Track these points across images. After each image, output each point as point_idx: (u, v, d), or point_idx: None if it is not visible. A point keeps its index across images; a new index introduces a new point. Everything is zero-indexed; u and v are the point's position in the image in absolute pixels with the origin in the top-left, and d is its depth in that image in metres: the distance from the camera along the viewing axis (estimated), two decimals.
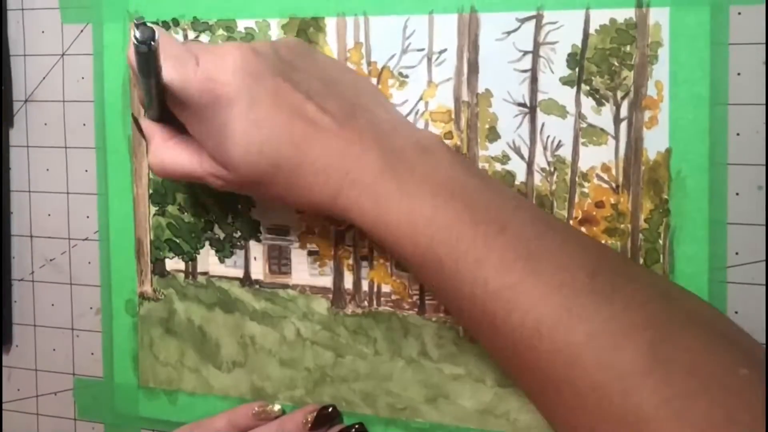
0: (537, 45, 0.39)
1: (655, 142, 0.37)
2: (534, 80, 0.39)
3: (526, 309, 0.31)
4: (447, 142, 0.40)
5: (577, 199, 0.39)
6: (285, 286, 0.45)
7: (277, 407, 0.44)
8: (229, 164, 0.36)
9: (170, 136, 0.39)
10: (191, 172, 0.38)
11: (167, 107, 0.37)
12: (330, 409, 0.43)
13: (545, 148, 0.39)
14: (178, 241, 0.47)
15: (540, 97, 0.39)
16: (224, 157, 0.36)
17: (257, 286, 0.45)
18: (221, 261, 0.46)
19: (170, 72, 0.35)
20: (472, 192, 0.34)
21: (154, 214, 0.47)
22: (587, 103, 0.38)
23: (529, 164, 0.40)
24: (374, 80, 0.42)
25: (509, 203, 0.35)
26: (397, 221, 0.34)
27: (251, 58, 0.36)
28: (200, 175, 0.38)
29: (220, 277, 0.46)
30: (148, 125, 0.40)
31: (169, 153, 0.38)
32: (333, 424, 0.43)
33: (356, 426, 0.42)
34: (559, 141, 0.39)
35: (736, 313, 0.37)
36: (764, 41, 0.35)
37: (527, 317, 0.31)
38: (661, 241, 0.38)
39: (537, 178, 0.39)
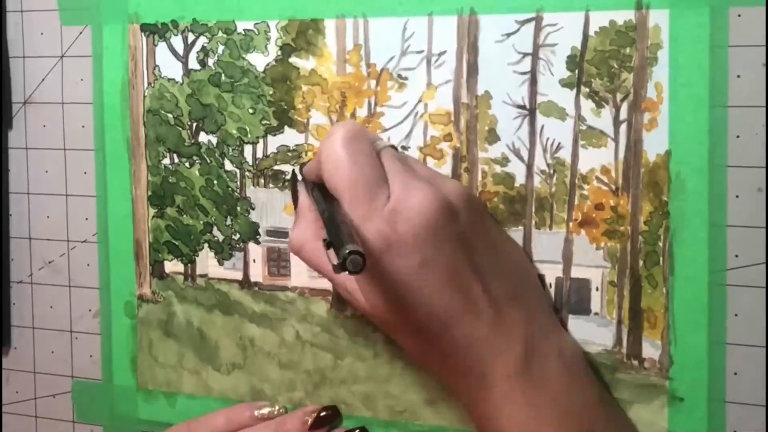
0: (536, 47, 0.39)
1: (654, 144, 0.37)
2: (533, 82, 0.39)
3: None
4: (446, 144, 0.40)
5: (576, 202, 0.39)
6: (284, 289, 0.45)
7: (277, 408, 0.44)
8: (373, 300, 0.34)
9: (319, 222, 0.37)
10: (327, 272, 0.35)
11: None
12: (330, 411, 0.43)
13: (545, 150, 0.39)
14: (177, 243, 0.47)
15: (539, 99, 0.39)
16: (371, 292, 0.34)
17: (256, 289, 0.45)
18: (220, 263, 0.46)
19: (357, 203, 0.33)
20: (600, 424, 0.33)
21: (153, 217, 0.47)
22: (587, 105, 0.38)
23: (529, 166, 0.40)
24: (373, 82, 0.42)
25: None
26: (515, 430, 0.33)
27: (443, 218, 0.33)
28: (335, 281, 0.36)
29: (219, 280, 0.46)
30: (304, 200, 0.38)
31: (315, 242, 0.36)
32: (333, 426, 0.43)
33: (358, 430, 0.42)
34: (559, 143, 0.39)
35: (736, 315, 0.37)
36: (764, 43, 0.35)
37: None
38: (660, 244, 0.38)
39: (536, 180, 0.39)
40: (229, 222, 0.45)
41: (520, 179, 0.40)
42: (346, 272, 0.29)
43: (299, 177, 0.42)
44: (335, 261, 0.30)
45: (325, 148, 0.35)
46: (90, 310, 0.49)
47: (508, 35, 0.39)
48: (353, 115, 0.42)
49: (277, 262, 0.45)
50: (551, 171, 0.39)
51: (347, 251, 0.29)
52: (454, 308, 0.33)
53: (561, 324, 0.38)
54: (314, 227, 0.37)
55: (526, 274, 0.38)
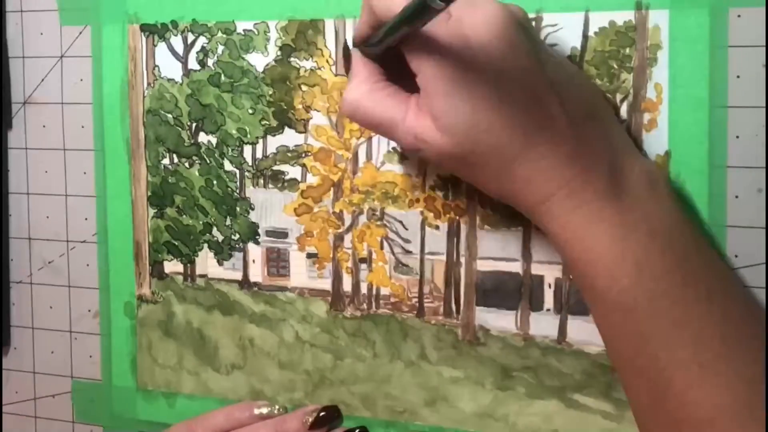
0: None
1: (654, 145, 0.37)
2: None
3: (702, 399, 0.30)
4: None
5: None
6: (284, 289, 0.45)
7: (277, 408, 0.44)
8: (447, 129, 0.32)
9: (378, 77, 0.35)
10: (389, 123, 0.34)
11: (394, 50, 0.33)
12: (330, 411, 0.43)
13: None
14: (176, 243, 0.46)
15: None
16: (443, 120, 0.32)
17: (256, 289, 0.45)
18: (220, 263, 0.46)
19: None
20: (689, 247, 0.32)
21: (153, 217, 0.47)
22: None
23: None
24: None
25: (721, 271, 0.33)
26: (604, 250, 0.32)
27: (513, 24, 0.32)
28: (398, 130, 0.34)
29: (219, 280, 0.46)
30: (358, 58, 0.36)
31: (372, 95, 0.34)
32: (333, 426, 0.43)
33: (358, 429, 0.42)
34: None
35: None
36: (764, 44, 0.35)
37: (702, 407, 0.30)
38: None
39: None
40: (228, 222, 0.45)
41: None
42: (439, 6, 0.26)
43: (350, 45, 0.40)
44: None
45: None
46: (89, 311, 0.49)
47: None
48: None
49: (277, 262, 0.45)
50: None
51: None
52: (535, 123, 0.32)
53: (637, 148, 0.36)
54: (369, 83, 0.35)
55: (598, 95, 0.36)
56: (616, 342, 0.33)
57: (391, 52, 0.34)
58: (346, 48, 0.40)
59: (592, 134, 0.33)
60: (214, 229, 0.46)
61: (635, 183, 0.33)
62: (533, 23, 0.38)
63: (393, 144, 0.42)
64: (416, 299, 0.42)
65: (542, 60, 0.33)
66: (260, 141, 0.44)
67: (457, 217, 0.41)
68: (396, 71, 0.35)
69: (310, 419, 0.41)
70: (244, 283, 0.45)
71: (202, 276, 0.46)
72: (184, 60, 0.45)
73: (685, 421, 0.31)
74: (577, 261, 0.33)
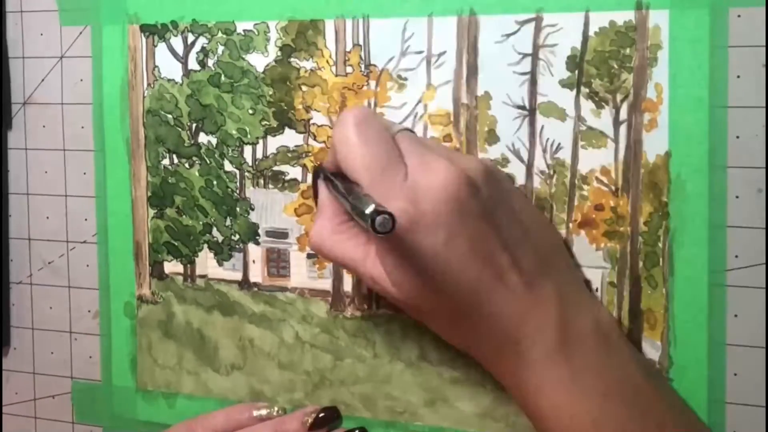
0: (536, 47, 0.39)
1: (654, 145, 0.37)
2: (533, 83, 0.39)
3: None
4: (446, 144, 0.40)
5: (576, 202, 0.39)
6: (284, 289, 0.45)
7: (275, 409, 0.44)
8: (402, 284, 0.33)
9: (343, 218, 0.36)
10: (352, 263, 0.35)
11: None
12: (330, 411, 0.43)
13: (545, 151, 0.39)
14: (176, 243, 0.46)
15: (539, 99, 0.39)
16: (399, 275, 0.33)
17: (256, 289, 0.45)
18: (220, 264, 0.46)
19: (375, 185, 0.33)
20: (644, 397, 0.33)
21: (153, 217, 0.47)
22: (587, 105, 0.38)
23: (529, 167, 0.39)
24: (373, 83, 0.41)
25: (677, 413, 0.33)
26: (559, 410, 0.32)
27: (464, 192, 0.33)
28: (359, 272, 0.35)
29: (219, 280, 0.46)
30: (324, 196, 0.38)
31: (334, 236, 0.36)
32: (333, 427, 0.43)
33: (357, 430, 0.42)
34: (559, 144, 0.39)
35: (736, 316, 0.37)
36: (764, 44, 0.35)
37: None
38: (660, 244, 0.37)
39: (536, 181, 0.39)
40: (228, 223, 0.45)
41: (520, 180, 0.40)
42: (379, 235, 0.29)
43: (320, 174, 0.41)
44: (365, 225, 0.29)
45: (336, 134, 0.35)
46: (89, 311, 0.49)
47: (508, 36, 0.39)
48: None
49: (277, 262, 0.44)
50: (551, 172, 0.39)
51: (373, 210, 0.29)
52: (484, 283, 0.33)
53: (593, 296, 0.37)
54: (334, 221, 0.36)
55: (555, 247, 0.37)
56: None
57: None
58: (315, 177, 0.41)
59: (544, 290, 0.34)
60: (214, 229, 0.46)
61: (587, 340, 0.33)
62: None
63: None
64: None
65: (498, 219, 0.33)
66: (260, 141, 0.44)
67: None
68: None
69: (310, 420, 0.41)
70: (244, 284, 0.45)
71: (202, 276, 0.46)
72: (184, 60, 0.45)
73: None
74: (533, 418, 0.33)
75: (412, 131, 0.38)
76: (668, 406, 0.34)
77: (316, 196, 0.40)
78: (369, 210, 0.29)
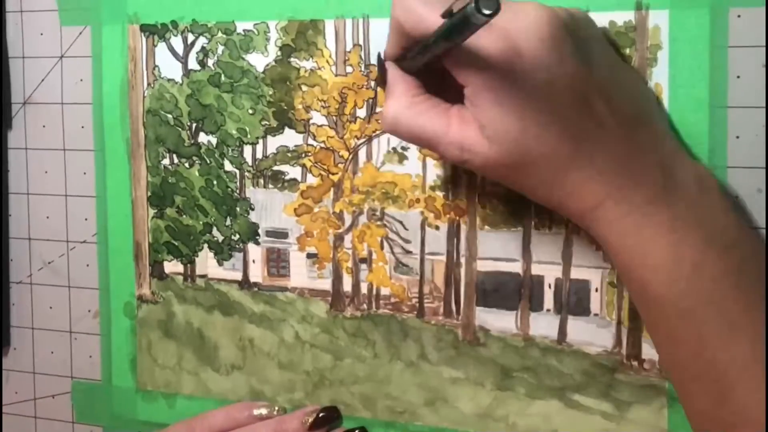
0: None
1: None
2: None
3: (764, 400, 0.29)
4: None
5: None
6: (284, 289, 0.45)
7: (276, 409, 0.44)
8: (495, 138, 0.31)
9: (417, 91, 0.34)
10: (432, 136, 0.33)
11: (435, 63, 0.32)
12: (330, 411, 0.43)
13: None
14: (176, 243, 0.46)
15: None
16: (492, 129, 0.31)
17: (256, 289, 0.45)
18: (220, 264, 0.46)
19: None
20: (744, 249, 0.32)
21: (153, 217, 0.47)
22: None
23: None
24: (372, 83, 0.41)
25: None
26: (659, 256, 0.31)
27: (559, 29, 0.31)
28: (442, 143, 0.33)
29: (219, 280, 0.46)
30: (394, 73, 0.35)
31: (412, 110, 0.34)
32: (333, 426, 0.43)
33: (358, 430, 0.42)
34: None
35: None
36: (764, 44, 0.35)
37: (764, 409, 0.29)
38: None
39: None
40: (228, 222, 0.45)
41: None
42: (481, 15, 0.26)
43: (383, 59, 0.39)
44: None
45: (396, 7, 0.33)
46: (89, 311, 0.49)
47: None
48: (353, 116, 0.42)
49: (277, 262, 0.44)
50: None
51: None
52: (584, 128, 0.31)
53: (691, 154, 0.36)
54: (407, 96, 0.35)
55: (649, 98, 0.36)
56: (672, 347, 0.33)
57: (428, 64, 0.33)
58: (380, 62, 0.39)
59: (642, 138, 0.33)
60: (214, 229, 0.46)
61: (687, 187, 0.32)
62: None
63: (393, 144, 0.41)
64: (416, 299, 0.42)
65: (591, 61, 0.32)
66: (260, 141, 0.44)
67: (457, 218, 0.41)
68: (434, 82, 0.35)
69: (310, 420, 0.42)
70: (244, 284, 0.45)
71: (202, 276, 0.46)
72: (184, 60, 0.45)
73: (747, 422, 0.30)
74: (631, 267, 0.32)
75: None
76: (760, 264, 0.33)
77: (381, 80, 0.38)
78: None
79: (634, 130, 0.32)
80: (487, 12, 0.26)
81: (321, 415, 0.42)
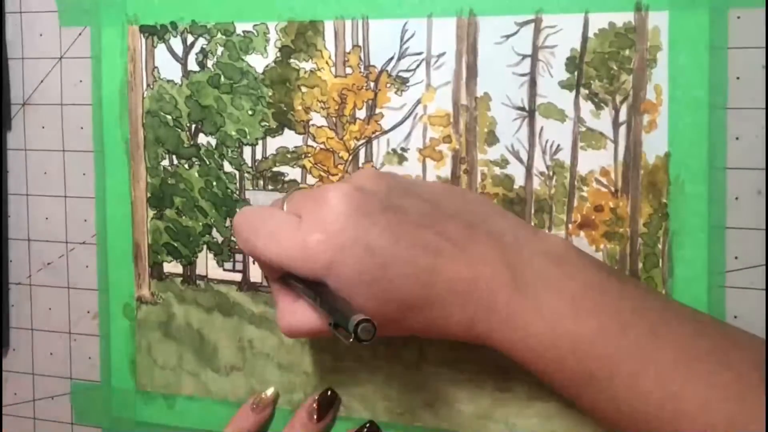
0: (536, 49, 0.39)
1: (654, 146, 0.37)
2: (533, 84, 0.39)
3: (693, 417, 0.29)
4: (445, 146, 0.40)
5: (576, 203, 0.39)
6: None
7: (269, 392, 0.44)
8: (367, 308, 0.33)
9: (296, 297, 0.36)
10: (320, 329, 0.35)
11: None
12: (326, 394, 0.43)
13: (544, 152, 0.39)
14: (176, 244, 0.46)
15: (539, 100, 0.39)
16: (359, 304, 0.33)
17: (256, 290, 0.45)
18: (219, 265, 0.46)
19: (281, 247, 0.34)
20: (613, 296, 0.32)
21: (152, 218, 0.47)
22: (586, 106, 0.38)
23: (528, 168, 0.39)
24: (372, 84, 0.41)
25: (652, 301, 0.33)
26: (539, 342, 0.32)
27: (357, 198, 0.33)
28: (329, 332, 0.35)
29: (219, 281, 0.46)
30: (277, 288, 0.38)
31: (297, 314, 0.36)
32: (335, 408, 0.43)
33: (367, 425, 0.42)
34: (558, 145, 0.39)
35: (735, 317, 0.37)
36: (764, 45, 0.35)
37: (696, 424, 0.29)
38: (660, 246, 0.38)
39: (536, 182, 0.39)
40: (228, 223, 0.45)
41: (519, 181, 0.40)
42: (363, 343, 0.29)
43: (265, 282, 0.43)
44: (346, 340, 0.30)
45: (243, 247, 0.37)
46: (89, 312, 0.49)
47: (508, 37, 0.39)
48: (353, 117, 0.42)
49: None
50: (550, 173, 0.39)
51: (355, 322, 0.29)
52: (422, 266, 0.33)
53: (536, 230, 0.37)
54: (289, 305, 0.37)
55: (477, 206, 0.37)
56: (593, 410, 0.33)
57: None
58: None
59: (480, 247, 0.34)
60: (214, 230, 0.46)
61: (539, 267, 0.33)
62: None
63: (392, 145, 0.42)
64: None
65: (405, 207, 0.34)
66: (260, 142, 0.44)
67: None
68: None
69: (315, 415, 0.42)
70: (244, 285, 0.45)
71: (202, 277, 0.46)
72: (183, 61, 0.45)
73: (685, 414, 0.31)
74: (527, 363, 0.33)
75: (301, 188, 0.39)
76: (635, 295, 0.33)
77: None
78: (354, 322, 0.30)
79: (469, 245, 0.34)
80: (365, 341, 0.30)
81: (321, 403, 0.43)
